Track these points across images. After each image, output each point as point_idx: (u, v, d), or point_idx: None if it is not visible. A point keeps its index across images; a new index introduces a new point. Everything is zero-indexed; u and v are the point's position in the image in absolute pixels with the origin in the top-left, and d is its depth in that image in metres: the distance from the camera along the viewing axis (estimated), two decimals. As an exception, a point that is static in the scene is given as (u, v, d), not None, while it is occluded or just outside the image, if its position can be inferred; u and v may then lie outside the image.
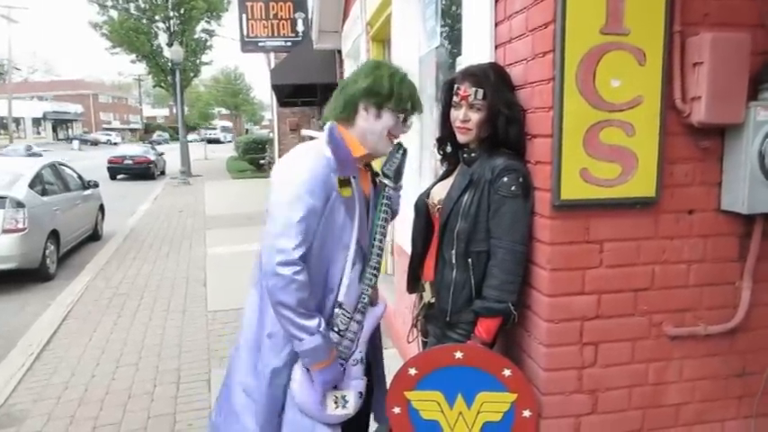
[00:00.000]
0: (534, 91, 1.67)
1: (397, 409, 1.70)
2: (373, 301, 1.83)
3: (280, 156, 19.44)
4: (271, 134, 25.61)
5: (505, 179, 1.66)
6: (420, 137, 3.63)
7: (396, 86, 1.68)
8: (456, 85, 1.76)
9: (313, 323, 1.59)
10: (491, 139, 1.74)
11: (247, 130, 51.99)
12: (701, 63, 1.57)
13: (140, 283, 6.22)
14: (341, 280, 1.69)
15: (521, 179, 1.67)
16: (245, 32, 8.66)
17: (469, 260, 1.73)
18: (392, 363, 3.85)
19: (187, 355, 4.16)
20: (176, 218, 10.85)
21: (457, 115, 1.76)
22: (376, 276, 1.70)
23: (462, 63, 2.25)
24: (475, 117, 1.72)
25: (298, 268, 1.57)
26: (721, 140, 1.72)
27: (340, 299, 1.69)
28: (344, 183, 1.65)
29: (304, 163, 1.63)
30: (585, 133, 1.58)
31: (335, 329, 1.69)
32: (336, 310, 1.69)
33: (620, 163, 1.62)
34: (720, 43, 1.55)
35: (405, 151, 1.77)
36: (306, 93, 10.39)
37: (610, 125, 1.58)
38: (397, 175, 1.75)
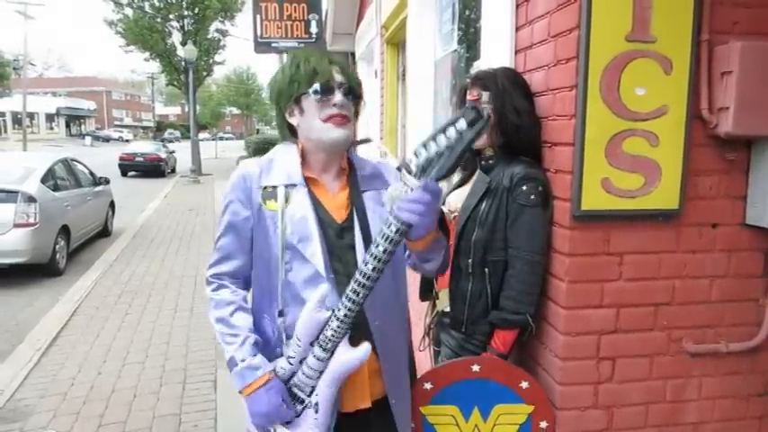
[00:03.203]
0: (556, 98, 1.63)
1: (411, 425, 1.66)
2: (355, 342, 1.30)
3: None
4: (279, 134, 25.68)
5: (524, 188, 1.62)
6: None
7: (290, 71, 1.38)
8: (468, 90, 1.73)
9: (235, 339, 1.37)
10: (508, 146, 1.70)
11: (258, 130, 52.19)
12: (730, 72, 1.52)
13: (149, 280, 6.22)
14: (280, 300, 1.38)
15: (540, 188, 1.63)
16: (258, 33, 8.65)
17: (486, 269, 1.69)
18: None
19: (194, 355, 4.14)
20: (186, 216, 10.88)
21: None
22: (351, 312, 1.22)
23: (479, 68, 2.22)
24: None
25: (213, 286, 1.45)
26: (747, 152, 1.67)
27: (284, 322, 1.37)
28: (271, 195, 1.38)
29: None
30: (608, 142, 1.53)
31: (288, 356, 1.35)
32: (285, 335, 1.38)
33: (642, 174, 1.57)
34: (750, 52, 1.50)
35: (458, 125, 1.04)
36: (317, 94, 10.33)
37: (633, 135, 1.54)
38: (427, 167, 1.06)
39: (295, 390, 1.37)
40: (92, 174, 8.73)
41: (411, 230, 1.13)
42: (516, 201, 1.64)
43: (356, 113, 1.43)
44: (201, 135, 28.01)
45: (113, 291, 5.81)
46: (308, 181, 1.40)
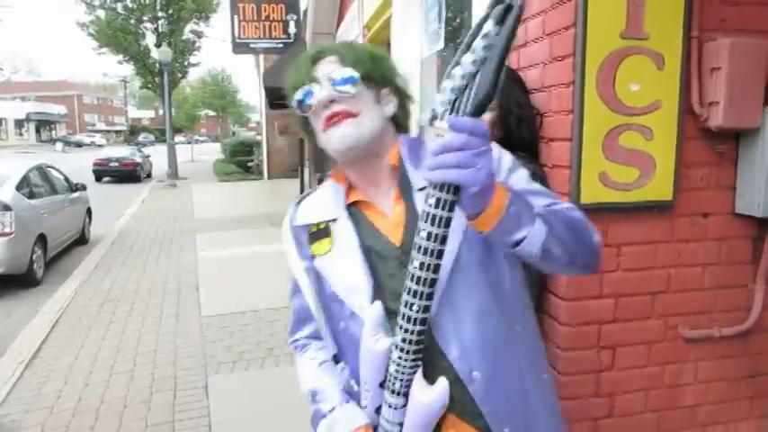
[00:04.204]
0: (552, 94, 1.66)
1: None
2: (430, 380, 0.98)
3: (268, 158, 19.43)
4: (258, 136, 25.51)
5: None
6: (420, 140, 3.62)
7: (288, 86, 1.15)
8: None
9: (305, 386, 1.22)
10: (505, 142, 1.73)
11: (234, 133, 51.70)
12: (719, 68, 1.58)
13: (131, 288, 6.12)
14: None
15: (538, 183, 1.66)
16: (236, 34, 8.60)
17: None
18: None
19: (183, 361, 4.09)
20: (165, 221, 10.73)
21: None
22: (410, 334, 0.89)
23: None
24: (486, 116, 1.71)
25: (297, 352, 1.26)
26: (736, 145, 1.73)
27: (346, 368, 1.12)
28: (317, 236, 1.11)
29: None
30: (605, 137, 1.57)
31: (363, 405, 1.07)
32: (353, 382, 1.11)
33: (638, 167, 1.62)
34: (738, 48, 1.55)
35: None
36: (296, 95, 10.30)
37: (629, 129, 1.58)
38: (456, 102, 0.75)
39: None
40: (67, 180, 8.56)
41: (460, 198, 0.77)
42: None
43: (381, 99, 1.06)
44: (177, 138, 27.65)
45: (95, 300, 5.71)
46: (359, 206, 1.08)
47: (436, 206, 0.77)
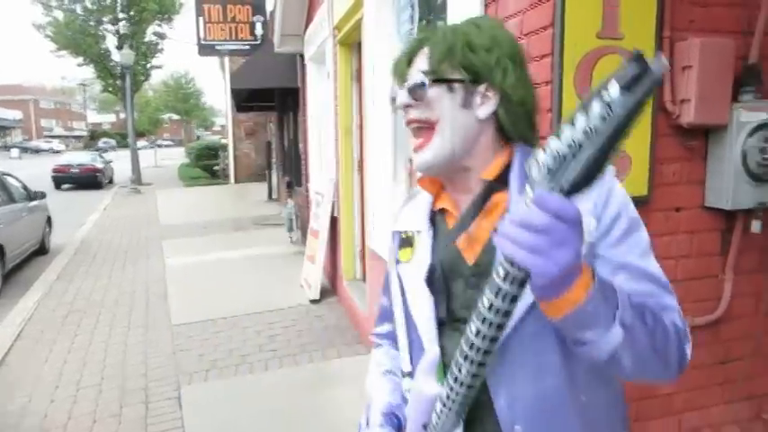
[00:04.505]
0: (530, 94, 1.67)
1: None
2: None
3: (234, 162, 19.18)
4: (223, 140, 25.15)
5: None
6: (393, 141, 3.62)
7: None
8: None
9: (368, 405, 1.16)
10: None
11: (198, 137, 50.81)
12: (690, 67, 1.62)
13: (96, 298, 5.94)
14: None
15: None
16: (202, 36, 8.45)
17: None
18: (366, 369, 3.85)
19: (154, 372, 3.99)
20: (130, 228, 10.46)
21: None
22: (456, 394, 0.84)
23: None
24: None
25: (374, 347, 1.24)
26: (705, 141, 1.78)
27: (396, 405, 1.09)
28: (404, 244, 1.06)
29: None
30: (583, 135, 1.59)
31: None
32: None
33: (615, 164, 1.64)
34: (708, 48, 1.60)
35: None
36: (263, 97, 10.24)
37: (605, 127, 1.60)
38: (556, 169, 0.60)
39: None
40: (25, 188, 8.26)
41: (532, 282, 0.67)
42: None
43: (473, 100, 0.90)
44: (140, 143, 27.04)
45: (59, 311, 5.51)
46: (444, 213, 1.00)
47: (504, 279, 0.67)
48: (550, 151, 0.59)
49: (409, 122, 0.94)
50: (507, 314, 0.71)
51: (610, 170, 0.77)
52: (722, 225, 1.86)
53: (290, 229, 8.19)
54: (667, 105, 1.67)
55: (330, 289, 5.81)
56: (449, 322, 0.95)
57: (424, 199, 1.03)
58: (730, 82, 1.66)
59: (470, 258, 0.92)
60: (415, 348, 1.01)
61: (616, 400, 0.96)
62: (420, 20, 3.00)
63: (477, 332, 0.74)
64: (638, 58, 0.56)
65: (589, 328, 0.72)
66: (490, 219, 0.90)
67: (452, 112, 0.89)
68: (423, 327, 0.97)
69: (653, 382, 0.87)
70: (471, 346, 0.76)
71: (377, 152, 3.70)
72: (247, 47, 9.02)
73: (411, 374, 1.02)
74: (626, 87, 0.55)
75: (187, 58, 29.05)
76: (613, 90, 0.55)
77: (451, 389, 0.84)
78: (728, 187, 1.74)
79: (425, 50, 0.92)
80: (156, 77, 53.70)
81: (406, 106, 0.93)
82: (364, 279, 4.82)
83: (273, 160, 14.01)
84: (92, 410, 3.46)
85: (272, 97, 10.34)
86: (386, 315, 1.17)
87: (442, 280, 0.95)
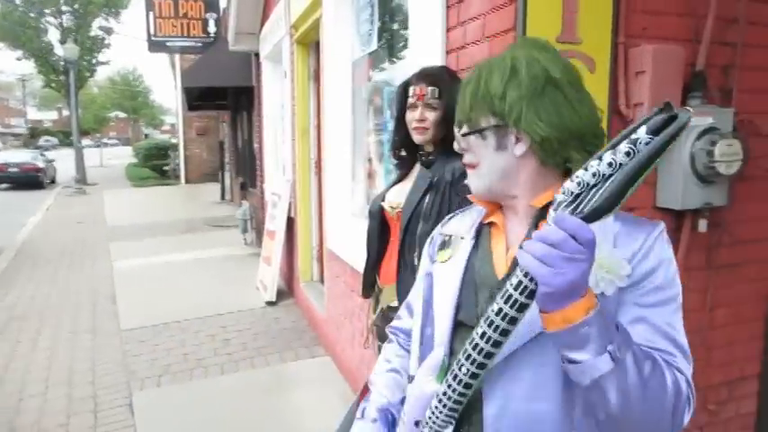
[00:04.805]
0: (492, 96, 1.70)
1: (364, 419, 1.66)
2: None
3: (185, 162, 18.68)
4: (173, 139, 24.46)
5: (466, 181, 1.68)
6: (352, 141, 3.62)
7: None
8: (412, 86, 1.77)
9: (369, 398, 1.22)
10: (448, 141, 1.76)
11: (146, 136, 49.22)
12: (643, 72, 1.68)
13: (39, 303, 5.66)
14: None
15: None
16: (152, 31, 8.18)
17: (432, 263, 1.73)
18: (324, 370, 3.83)
19: (103, 379, 3.83)
20: (74, 230, 10.03)
21: (413, 115, 1.76)
22: (452, 392, 0.88)
23: (410, 68, 2.26)
24: (431, 116, 1.74)
25: (388, 339, 1.30)
26: (657, 144, 1.85)
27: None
28: (444, 245, 1.10)
29: None
30: (543, 137, 1.63)
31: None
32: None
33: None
34: (660, 54, 1.67)
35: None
36: (216, 96, 10.03)
37: (564, 129, 1.65)
38: (580, 196, 0.69)
39: None
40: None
41: (538, 290, 0.73)
42: (459, 194, 1.69)
43: (507, 142, 0.94)
44: (84, 141, 25.95)
45: (-2, 317, 5.24)
46: (492, 226, 1.02)
47: (515, 288, 0.74)
48: (577, 180, 0.67)
49: (464, 166, 1.02)
50: (513, 321, 0.75)
51: (660, 225, 0.90)
52: (672, 224, 1.94)
53: (245, 231, 8.05)
54: (622, 109, 1.73)
55: (286, 291, 5.75)
56: (466, 327, 0.96)
57: (476, 211, 1.08)
58: (680, 87, 1.74)
59: (500, 273, 0.95)
60: (426, 348, 1.03)
61: None
62: (380, 20, 3.01)
63: (483, 334, 0.78)
64: (667, 107, 0.65)
65: (579, 350, 0.74)
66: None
67: (488, 155, 0.95)
68: (440, 324, 1.00)
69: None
70: (475, 347, 0.80)
71: (336, 152, 3.68)
72: (200, 44, 8.81)
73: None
74: (654, 132, 0.64)
75: (135, 54, 28.14)
76: (641, 132, 0.64)
77: (449, 386, 0.86)
78: (678, 188, 1.82)
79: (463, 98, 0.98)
80: (103, 74, 51.67)
81: (462, 149, 1.00)
82: (322, 280, 4.79)
83: (226, 160, 13.73)
84: (36, 420, 3.29)
85: (226, 96, 10.14)
86: (407, 312, 1.22)
87: (472, 286, 0.98)
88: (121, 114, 53.92)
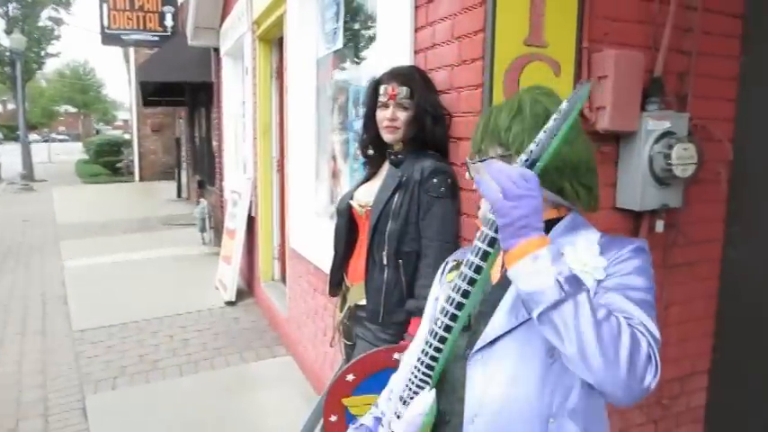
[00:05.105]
0: (461, 96, 1.73)
1: (333, 418, 1.66)
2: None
3: (140, 159, 18.12)
4: (126, 135, 23.69)
5: (435, 180, 1.70)
6: (316, 139, 3.59)
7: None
8: (383, 85, 1.77)
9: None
10: (417, 140, 1.77)
11: (98, 131, 47.45)
12: (606, 76, 1.73)
13: (-17, 303, 5.40)
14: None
15: (449, 180, 1.72)
16: (105, 23, 7.90)
17: (400, 261, 1.74)
18: (286, 370, 3.79)
19: (54, 382, 3.69)
20: (22, 228, 9.60)
21: (384, 114, 1.77)
22: (425, 356, 0.97)
23: (378, 67, 2.27)
24: (403, 116, 1.75)
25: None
26: (617, 146, 1.92)
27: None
28: (454, 268, 1.21)
29: None
30: (510, 137, 1.66)
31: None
32: None
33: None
34: (621, 60, 1.72)
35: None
36: (173, 92, 9.78)
37: (531, 130, 1.69)
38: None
39: None
40: None
41: (499, 223, 0.83)
42: (428, 193, 1.71)
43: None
44: (32, 136, 24.85)
45: (-62, 318, 4.96)
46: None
47: (479, 238, 0.87)
48: (529, 149, 0.85)
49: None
50: (478, 270, 0.87)
51: (641, 242, 1.03)
52: (631, 225, 2.01)
53: (203, 230, 7.88)
54: (585, 112, 1.78)
55: (246, 291, 5.66)
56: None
57: None
58: (640, 91, 1.80)
59: (494, 278, 1.07)
60: None
61: None
62: (346, 18, 3.01)
63: (455, 286, 0.89)
64: (582, 83, 0.86)
65: (532, 280, 0.83)
66: None
67: None
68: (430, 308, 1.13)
69: (607, 395, 0.84)
70: (448, 299, 0.91)
71: (299, 151, 3.65)
72: (156, 38, 8.56)
73: None
74: (568, 101, 0.84)
75: (87, 47, 27.14)
76: (564, 104, 0.85)
77: (427, 342, 0.96)
78: (637, 190, 1.88)
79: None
80: (52, 66, 49.52)
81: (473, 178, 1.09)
82: (283, 280, 4.74)
83: (183, 158, 13.41)
84: (-20, 427, 3.14)
85: (183, 92, 9.90)
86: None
87: None
88: (71, 109, 51.72)
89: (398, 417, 1.01)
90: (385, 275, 1.76)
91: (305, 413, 3.10)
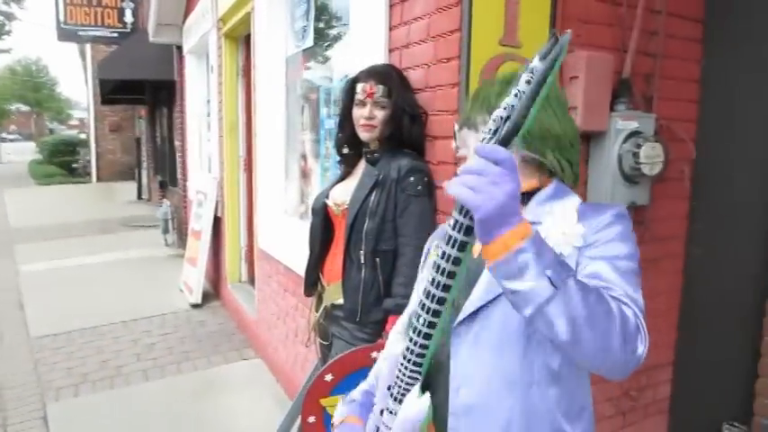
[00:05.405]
0: (437, 95, 1.74)
1: (311, 419, 1.65)
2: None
3: (97, 159, 17.56)
4: (82, 134, 22.93)
5: (412, 179, 1.71)
6: (285, 138, 3.56)
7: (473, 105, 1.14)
8: (360, 84, 1.77)
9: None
10: (394, 139, 1.78)
11: (51, 131, 45.76)
12: (577, 77, 1.77)
13: (-69, 310, 5.14)
14: None
15: (426, 179, 1.73)
16: (61, 19, 7.62)
17: (377, 259, 1.74)
18: (256, 372, 3.74)
19: (12, 391, 3.53)
20: (-30, 231, 9.18)
21: (361, 113, 1.76)
22: (414, 345, 0.90)
23: (352, 66, 2.26)
24: (380, 114, 1.75)
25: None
26: (587, 145, 1.96)
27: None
28: None
29: None
30: (486, 136, 1.68)
31: (373, 403, 1.14)
32: None
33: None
34: (593, 61, 1.76)
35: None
36: (132, 90, 9.52)
37: (506, 129, 1.71)
38: (497, 129, 0.75)
39: None
40: None
41: (474, 220, 0.75)
42: (405, 191, 1.71)
43: None
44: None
45: None
46: None
47: (453, 228, 0.77)
48: (493, 116, 0.74)
49: (456, 160, 1.10)
50: (457, 262, 0.78)
51: (621, 206, 1.00)
52: (600, 222, 2.07)
53: (166, 231, 7.70)
54: (557, 111, 1.82)
55: (212, 293, 5.56)
56: None
57: None
58: (610, 92, 1.85)
59: (475, 253, 0.98)
60: None
61: (572, 411, 0.97)
62: (317, 16, 2.99)
63: (433, 280, 0.81)
64: (553, 35, 0.73)
65: (518, 278, 0.76)
66: None
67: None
68: (416, 296, 1.07)
69: (603, 373, 0.86)
70: (428, 294, 0.83)
71: (268, 150, 3.60)
72: (115, 35, 8.32)
73: None
74: (542, 57, 0.72)
75: (40, 43, 26.16)
76: (535, 60, 0.72)
77: (411, 340, 0.89)
78: (607, 188, 1.93)
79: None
80: (2, 63, 47.42)
81: (456, 148, 1.10)
82: (251, 281, 4.67)
83: (143, 158, 13.07)
84: (-68, 440, 2.99)
85: (143, 90, 9.65)
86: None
87: None
88: (23, 107, 49.76)
89: (391, 412, 0.98)
90: (362, 274, 1.76)
91: (276, 415, 3.07)
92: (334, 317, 1.89)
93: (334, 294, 1.88)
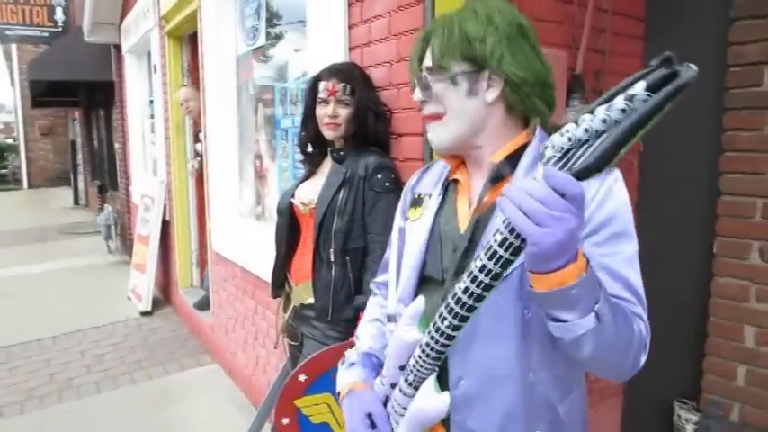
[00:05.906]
0: (401, 93, 1.76)
1: (285, 420, 1.63)
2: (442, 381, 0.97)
3: (28, 165, 16.64)
4: (9, 139, 21.67)
5: (379, 176, 1.72)
6: (239, 139, 3.50)
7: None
8: (323, 82, 1.76)
9: (354, 345, 1.23)
10: (359, 137, 1.78)
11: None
12: (534, 73, 1.83)
13: None
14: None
15: (393, 176, 1.75)
16: (-15, 16, 7.18)
17: (347, 257, 1.75)
18: (213, 378, 3.67)
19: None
20: None
21: (325, 111, 1.76)
22: (435, 343, 0.87)
23: (310, 64, 2.24)
24: (344, 112, 1.75)
25: (371, 294, 1.34)
26: (544, 140, 2.04)
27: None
28: (415, 203, 1.12)
29: None
30: (450, 132, 1.72)
31: (381, 375, 1.09)
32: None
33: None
34: (549, 58, 1.76)
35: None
36: (65, 92, 9.07)
37: (468, 125, 1.75)
38: (570, 152, 0.65)
39: (391, 418, 1.05)
40: None
41: (525, 247, 0.69)
42: (372, 189, 1.72)
43: (479, 87, 0.95)
44: None
45: None
46: (457, 183, 1.05)
47: (500, 245, 0.71)
48: (567, 135, 0.63)
49: (424, 118, 1.01)
50: (497, 277, 0.73)
51: (615, 172, 0.91)
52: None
53: (108, 237, 7.41)
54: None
55: (162, 299, 5.39)
56: (432, 281, 1.02)
57: (440, 166, 1.10)
58: (564, 89, 1.93)
59: (463, 228, 0.98)
60: (403, 298, 1.06)
61: (569, 395, 0.98)
62: (269, 14, 2.95)
63: (466, 290, 0.77)
64: (668, 61, 0.58)
65: (567, 310, 0.74)
66: (491, 198, 0.94)
67: (458, 103, 0.96)
68: (405, 277, 1.05)
69: (601, 377, 0.93)
70: (458, 301, 0.79)
71: (221, 151, 3.53)
72: (46, 34, 7.90)
73: (393, 318, 1.08)
74: (650, 86, 0.58)
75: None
76: (639, 87, 0.59)
77: (432, 338, 0.87)
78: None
79: (431, 45, 0.97)
80: None
81: (422, 102, 0.99)
82: (203, 286, 4.56)
83: (79, 162, 12.49)
84: None
85: (76, 92, 9.22)
86: (386, 266, 1.26)
87: (437, 242, 1.02)
88: (-60, 110, 46.40)
89: (403, 393, 0.97)
90: (332, 273, 1.76)
91: (238, 420, 3.02)
92: (304, 317, 1.88)
93: (303, 294, 1.87)
